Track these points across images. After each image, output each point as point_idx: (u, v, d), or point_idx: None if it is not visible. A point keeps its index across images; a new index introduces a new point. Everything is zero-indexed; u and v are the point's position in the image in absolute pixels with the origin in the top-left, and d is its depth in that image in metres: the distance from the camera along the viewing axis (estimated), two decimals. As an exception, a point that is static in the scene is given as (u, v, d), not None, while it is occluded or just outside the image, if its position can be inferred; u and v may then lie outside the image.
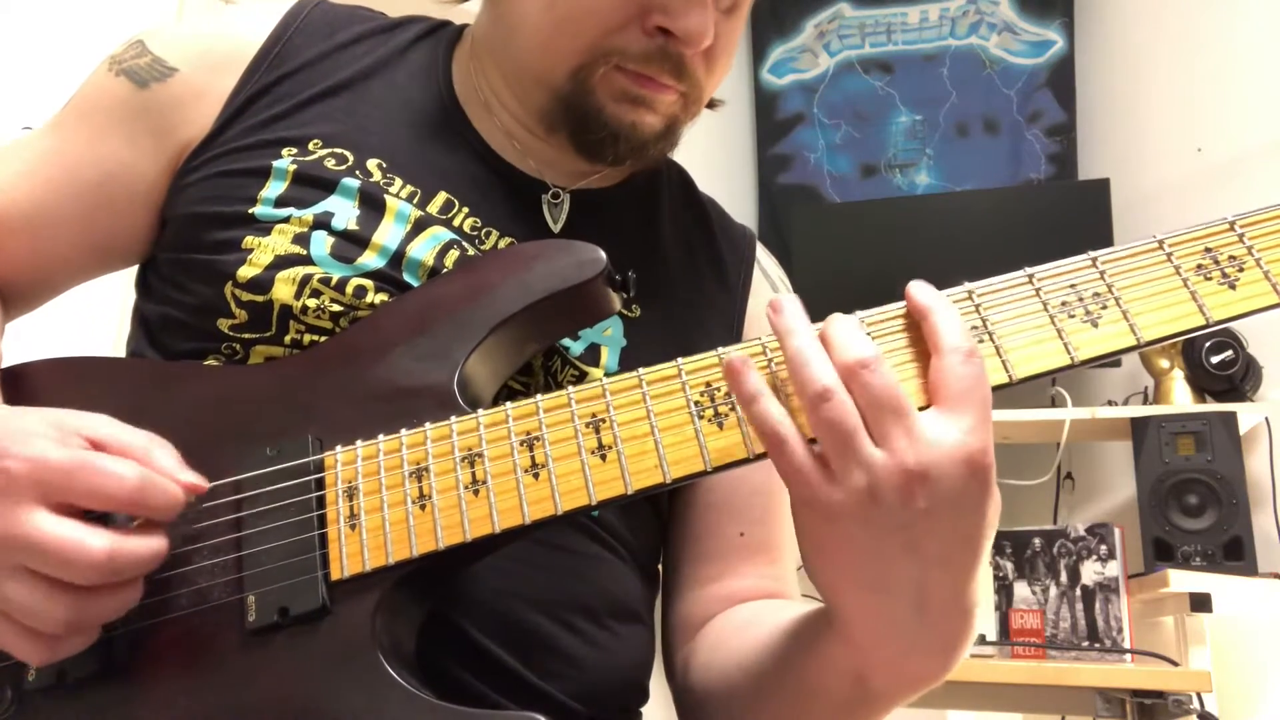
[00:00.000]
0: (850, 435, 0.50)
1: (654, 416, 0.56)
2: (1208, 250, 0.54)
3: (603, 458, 0.56)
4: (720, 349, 0.57)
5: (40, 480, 0.53)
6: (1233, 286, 0.53)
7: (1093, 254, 0.55)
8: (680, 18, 0.68)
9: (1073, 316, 0.54)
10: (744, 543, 0.79)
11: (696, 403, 0.56)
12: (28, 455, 0.53)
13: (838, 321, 0.53)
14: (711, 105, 0.87)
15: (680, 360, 0.57)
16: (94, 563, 0.52)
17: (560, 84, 0.72)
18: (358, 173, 0.73)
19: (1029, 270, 0.55)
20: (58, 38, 2.25)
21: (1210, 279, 0.53)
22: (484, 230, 0.74)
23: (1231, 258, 0.54)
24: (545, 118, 0.74)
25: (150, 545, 0.54)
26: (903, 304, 0.55)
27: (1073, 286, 0.54)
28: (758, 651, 0.67)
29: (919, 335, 0.54)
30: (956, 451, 0.49)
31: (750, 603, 0.77)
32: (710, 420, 0.55)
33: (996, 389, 0.53)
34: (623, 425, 0.56)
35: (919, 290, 0.54)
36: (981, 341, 0.54)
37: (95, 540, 0.52)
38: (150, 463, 0.55)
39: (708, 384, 0.56)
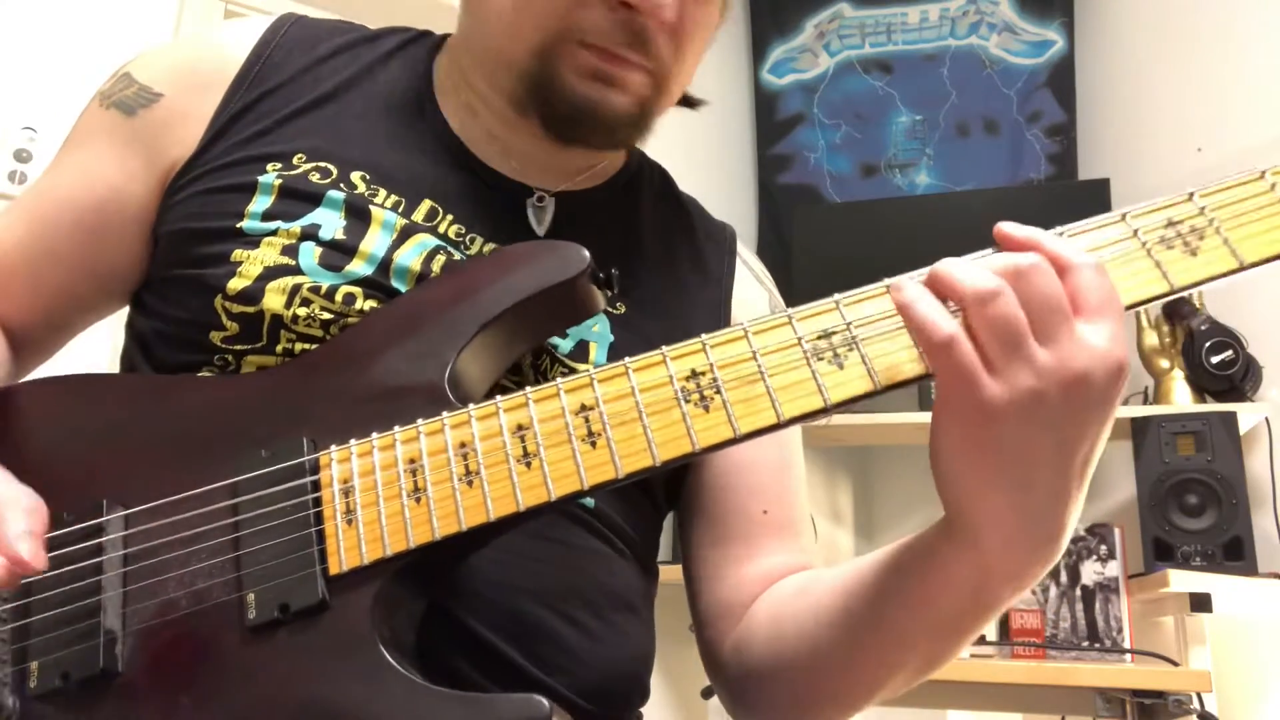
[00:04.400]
0: (1021, 335, 0.51)
1: (641, 403, 0.57)
2: (1170, 222, 0.56)
3: (593, 444, 0.57)
4: (704, 335, 0.58)
5: None
6: (1194, 254, 0.55)
7: (1060, 228, 0.56)
8: None
9: None
10: (768, 520, 0.80)
11: (682, 388, 0.57)
12: None
13: (1005, 235, 0.55)
14: (692, 104, 0.87)
15: (665, 348, 0.58)
16: None
17: (526, 63, 0.72)
18: (342, 185, 0.74)
19: (995, 249, 0.56)
20: (58, 38, 2.25)
21: (1173, 248, 0.55)
22: (468, 236, 0.75)
23: (1193, 228, 0.56)
24: (516, 102, 0.75)
25: None
26: (879, 284, 0.56)
27: None
28: (842, 600, 0.67)
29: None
30: (1107, 357, 0.52)
31: (798, 573, 0.77)
32: (696, 404, 0.56)
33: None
34: (611, 412, 0.57)
35: (1014, 228, 0.55)
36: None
37: None
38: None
39: (692, 370, 0.57)
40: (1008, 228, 0.55)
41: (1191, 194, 0.56)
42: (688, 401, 0.57)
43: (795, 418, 0.55)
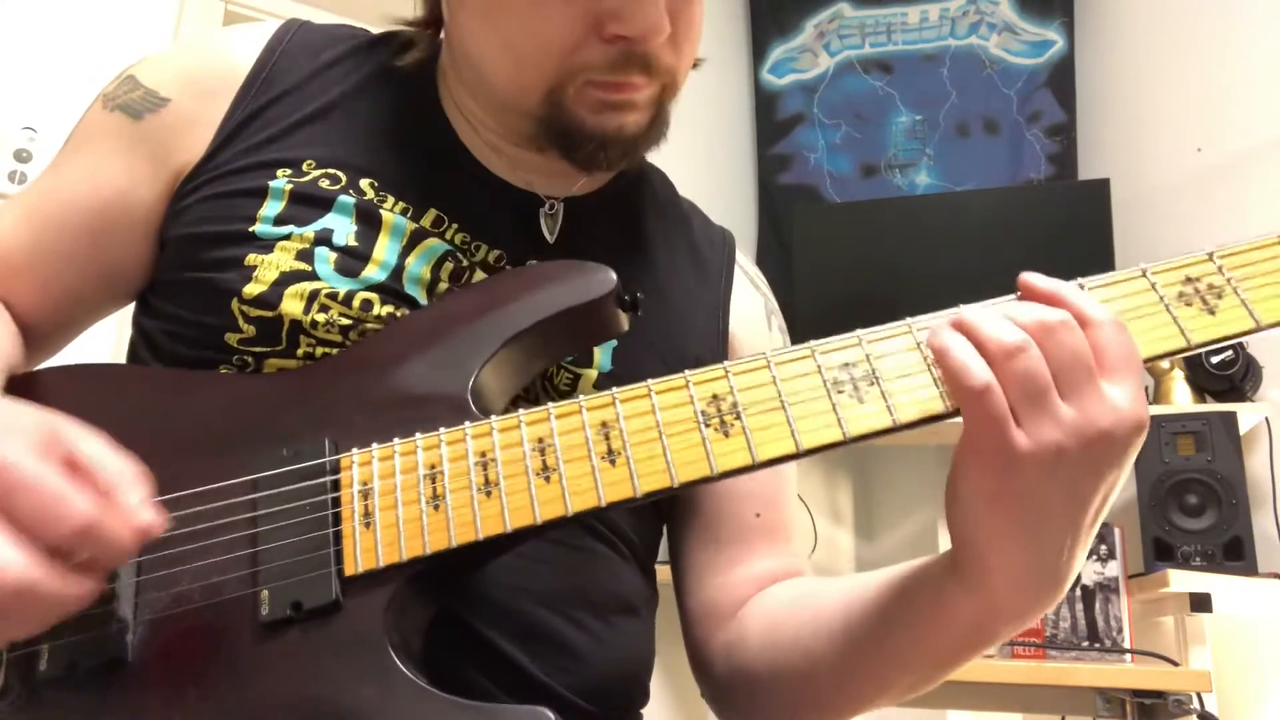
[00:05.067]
0: (1046, 389, 0.52)
1: (662, 424, 0.58)
2: (1188, 279, 0.57)
3: (612, 462, 0.58)
4: (726, 362, 0.59)
5: None
6: (1212, 312, 0.57)
7: (1080, 280, 0.58)
8: (633, 20, 0.68)
9: None
10: (760, 524, 0.81)
11: (703, 412, 0.58)
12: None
13: (1028, 286, 0.56)
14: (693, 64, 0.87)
15: (688, 372, 0.59)
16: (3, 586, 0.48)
17: (536, 109, 0.72)
18: (351, 191, 0.74)
19: (1016, 295, 0.58)
20: (58, 38, 2.25)
21: (1191, 305, 0.57)
22: (474, 244, 0.76)
23: (1211, 285, 0.57)
24: (532, 140, 0.75)
25: (72, 590, 0.50)
26: (901, 323, 0.58)
27: None
28: (843, 617, 0.68)
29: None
30: (1129, 416, 0.53)
31: (792, 580, 0.79)
32: (716, 429, 0.57)
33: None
34: (632, 432, 0.58)
35: (1037, 279, 0.57)
36: None
37: (10, 560, 0.48)
38: (115, 498, 0.52)
39: (714, 395, 0.58)
40: (1031, 279, 0.56)
41: (1210, 254, 0.58)
42: (708, 426, 0.57)
43: (813, 448, 0.56)
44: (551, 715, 0.54)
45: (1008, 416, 0.52)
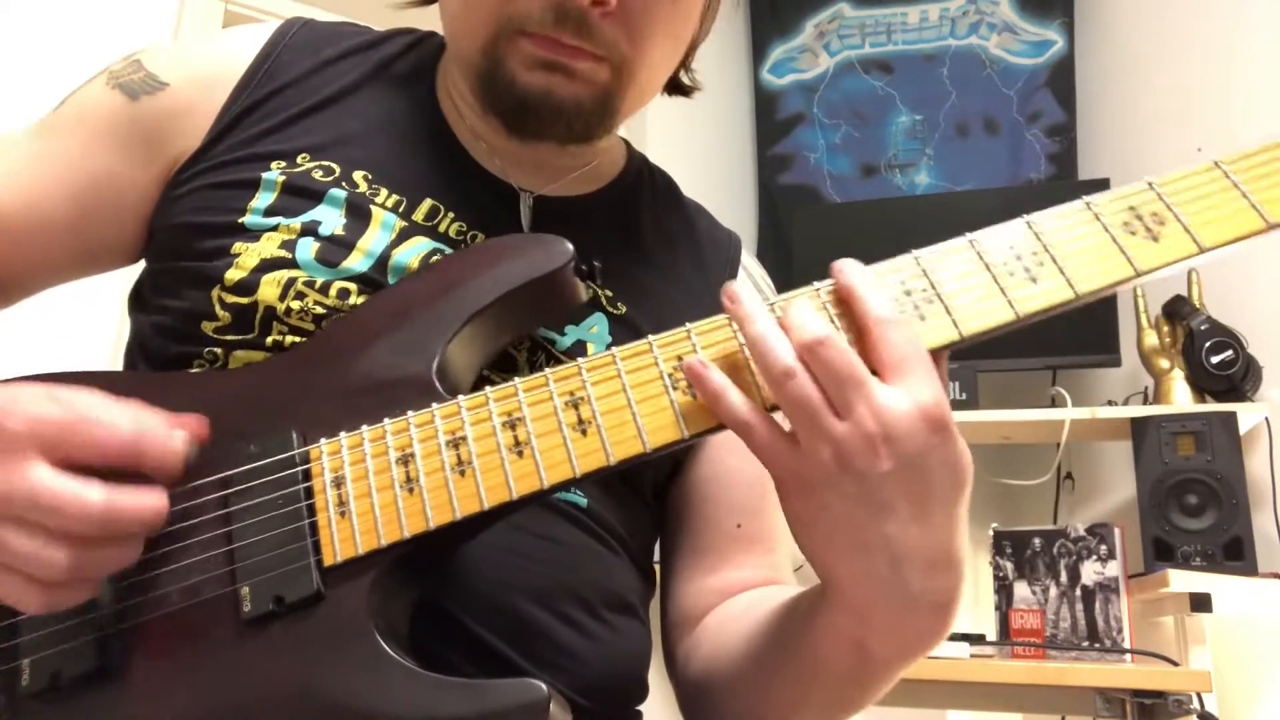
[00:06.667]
0: (815, 411, 0.53)
1: (630, 390, 0.58)
2: (1131, 209, 0.58)
3: (583, 432, 0.58)
4: (689, 324, 0.59)
5: (39, 435, 0.54)
6: (1156, 240, 0.57)
7: (1026, 218, 0.58)
8: None
9: (1013, 275, 0.57)
10: (741, 534, 0.81)
11: (670, 375, 0.58)
12: (25, 413, 0.55)
13: (794, 304, 0.56)
14: (686, 92, 0.87)
15: (651, 337, 0.60)
16: (91, 513, 0.53)
17: (478, 61, 0.73)
18: (344, 184, 0.75)
19: (969, 236, 0.59)
20: (58, 38, 2.25)
21: (1135, 234, 0.57)
22: (470, 234, 0.76)
23: (1154, 214, 0.58)
24: (479, 98, 0.76)
25: (149, 500, 0.55)
26: (876, 266, 0.58)
27: (1011, 248, 0.58)
28: (760, 633, 0.68)
29: None
30: (913, 410, 0.52)
31: (748, 591, 0.78)
32: (684, 391, 0.58)
33: (946, 346, 0.56)
34: (600, 400, 0.58)
35: (844, 273, 0.57)
36: (930, 302, 0.57)
37: (92, 493, 0.53)
38: (139, 422, 0.57)
39: (679, 357, 0.58)
40: (838, 270, 0.57)
41: (1150, 183, 0.59)
42: (675, 389, 0.58)
43: (778, 405, 0.56)
44: (544, 686, 0.54)
45: (781, 445, 0.54)
